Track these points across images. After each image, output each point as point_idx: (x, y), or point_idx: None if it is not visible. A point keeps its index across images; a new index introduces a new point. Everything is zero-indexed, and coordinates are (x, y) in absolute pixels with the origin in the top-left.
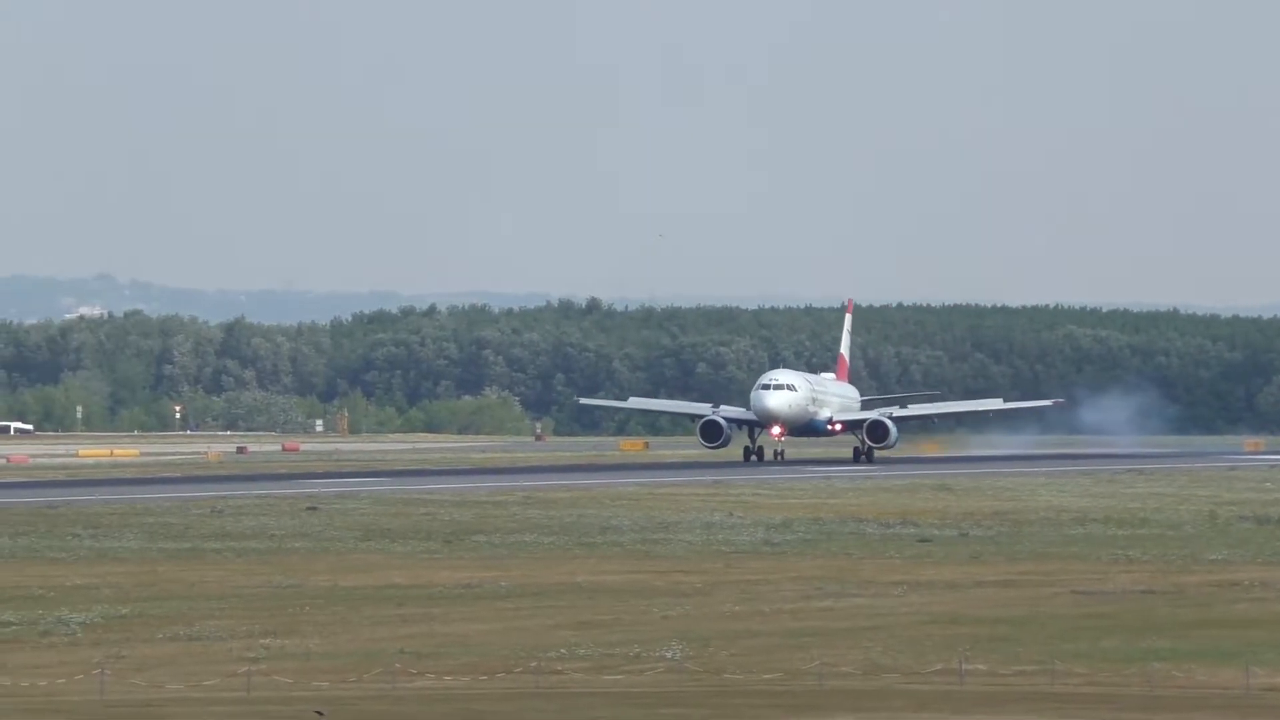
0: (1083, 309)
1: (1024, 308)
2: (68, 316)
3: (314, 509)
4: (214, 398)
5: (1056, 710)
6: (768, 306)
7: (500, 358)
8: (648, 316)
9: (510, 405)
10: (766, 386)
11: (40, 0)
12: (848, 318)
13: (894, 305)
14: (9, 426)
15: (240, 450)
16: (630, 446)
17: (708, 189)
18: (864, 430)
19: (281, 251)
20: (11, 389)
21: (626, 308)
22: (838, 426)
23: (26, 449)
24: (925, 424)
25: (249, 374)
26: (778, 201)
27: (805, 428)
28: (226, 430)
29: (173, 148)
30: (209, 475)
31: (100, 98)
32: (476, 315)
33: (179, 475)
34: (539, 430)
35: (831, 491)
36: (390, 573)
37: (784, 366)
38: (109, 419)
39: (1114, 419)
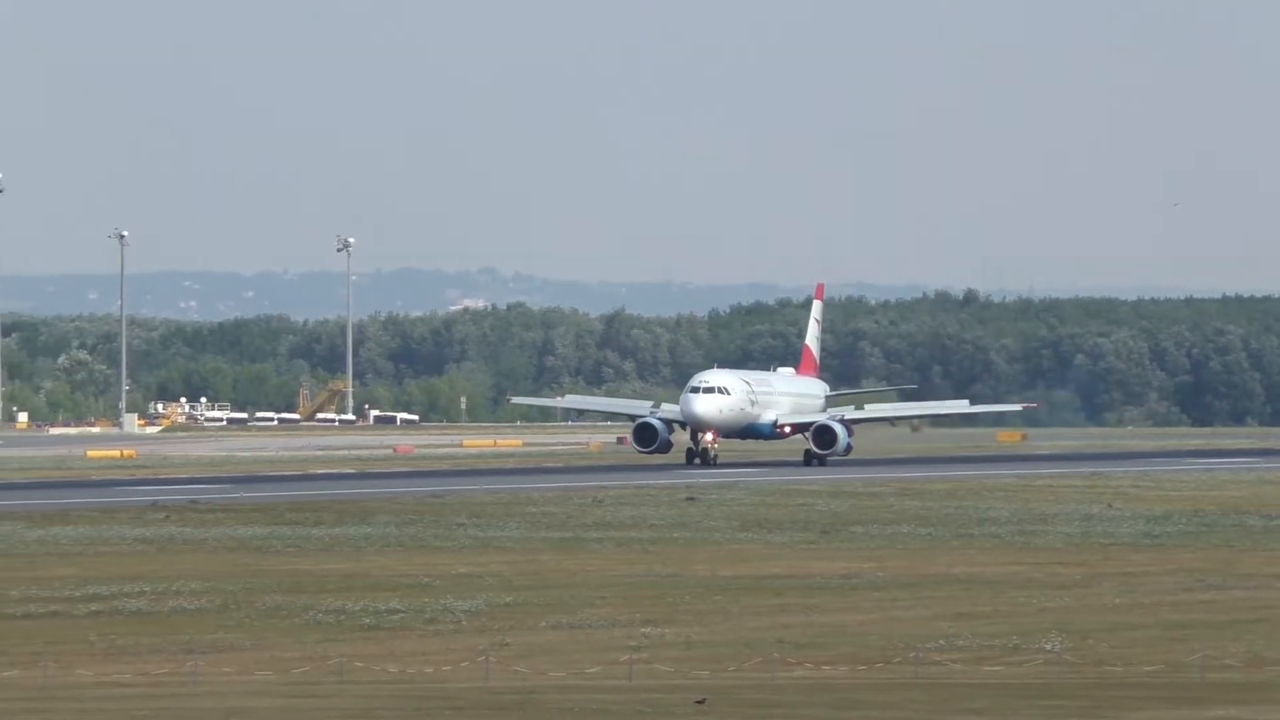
0: None
1: None
2: (452, 309)
3: (693, 499)
4: (594, 389)
5: None
6: (1147, 298)
7: (877, 349)
8: (1025, 308)
9: (887, 397)
10: (696, 389)
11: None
12: (816, 304)
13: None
14: (396, 417)
15: (620, 441)
16: (1007, 438)
17: (1089, 181)
18: (811, 435)
19: (660, 245)
20: (398, 381)
21: (1004, 298)
22: (786, 429)
23: (413, 439)
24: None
25: (629, 365)
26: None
27: (746, 431)
28: (606, 421)
29: (549, 144)
30: (590, 465)
31: (486, 99)
32: (853, 307)
33: (560, 465)
34: (915, 422)
35: (1213, 484)
36: (768, 563)
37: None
38: (492, 410)
39: None
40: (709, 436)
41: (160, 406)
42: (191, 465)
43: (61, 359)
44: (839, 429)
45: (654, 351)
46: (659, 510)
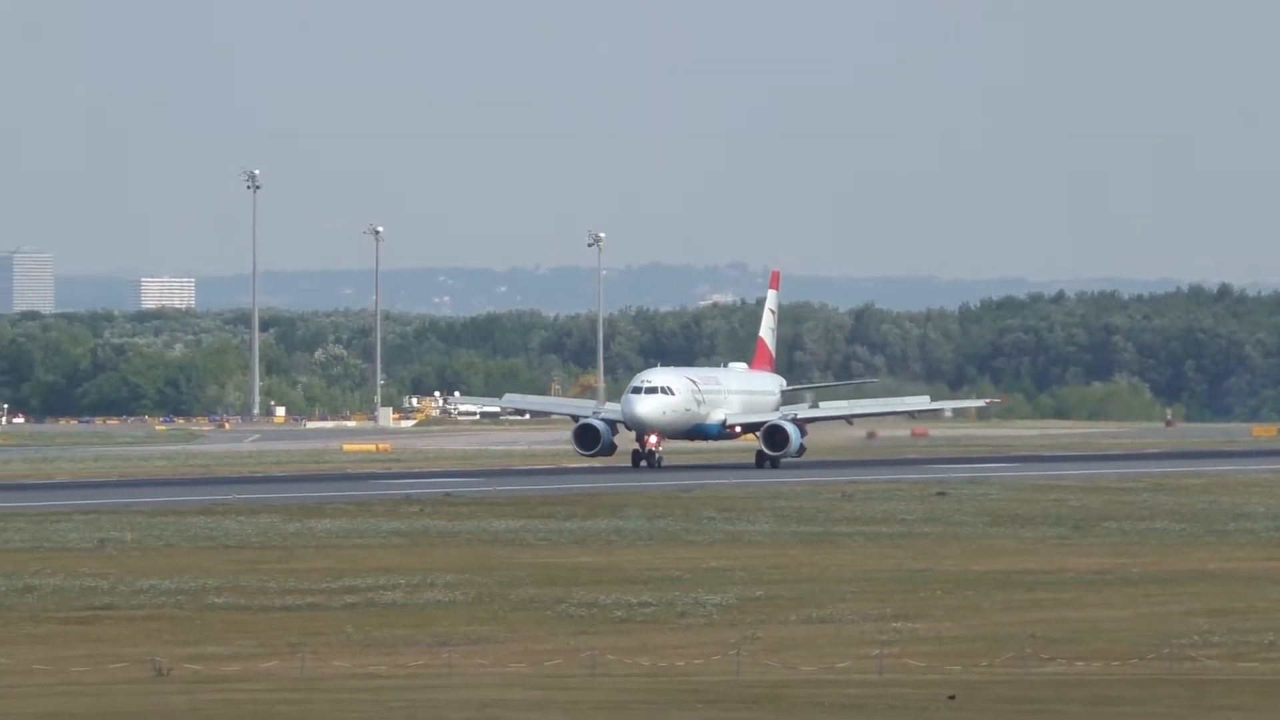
0: None
1: None
2: (702, 304)
3: (943, 494)
4: (844, 383)
5: None
6: None
7: (1130, 344)
8: None
9: (1140, 392)
10: (638, 390)
11: None
12: (771, 294)
13: None
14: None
15: (870, 435)
16: (1263, 432)
17: None
18: (762, 435)
19: (911, 239)
20: None
21: (1260, 293)
22: (736, 429)
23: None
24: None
25: (878, 360)
26: None
27: (693, 432)
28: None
29: (791, 140)
30: (841, 460)
31: (737, 98)
32: (1106, 302)
33: (810, 460)
34: (1169, 415)
35: None
36: (1020, 558)
37: None
38: None
39: None
40: (653, 439)
41: (414, 401)
42: (445, 459)
43: (318, 354)
44: (791, 429)
45: (903, 346)
46: (909, 505)
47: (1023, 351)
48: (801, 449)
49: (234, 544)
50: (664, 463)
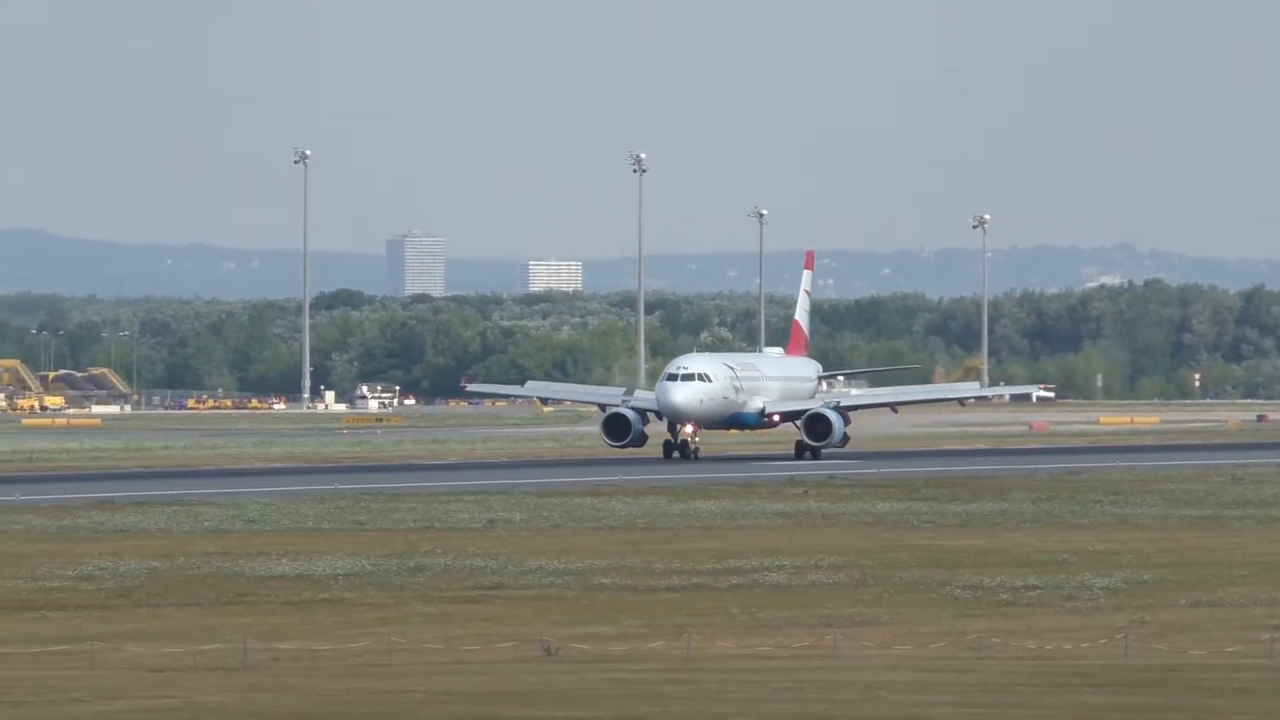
0: None
1: None
2: (1088, 285)
3: None
4: (1233, 366)
5: None
6: None
7: None
8: None
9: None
10: (674, 377)
11: None
12: (806, 274)
13: None
14: (1031, 393)
15: (1260, 419)
16: None
17: None
18: (803, 424)
19: None
20: (1033, 358)
21: None
22: (775, 418)
23: (1048, 416)
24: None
25: (1268, 343)
26: None
27: (731, 421)
28: (1245, 398)
29: (1173, 119)
30: (1228, 443)
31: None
32: None
33: (1198, 443)
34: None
35: None
36: None
37: None
38: (1129, 387)
39: None
40: (689, 428)
41: None
42: None
43: (703, 336)
44: (834, 417)
45: None
46: None
47: None
48: (845, 438)
49: (620, 525)
50: (699, 454)
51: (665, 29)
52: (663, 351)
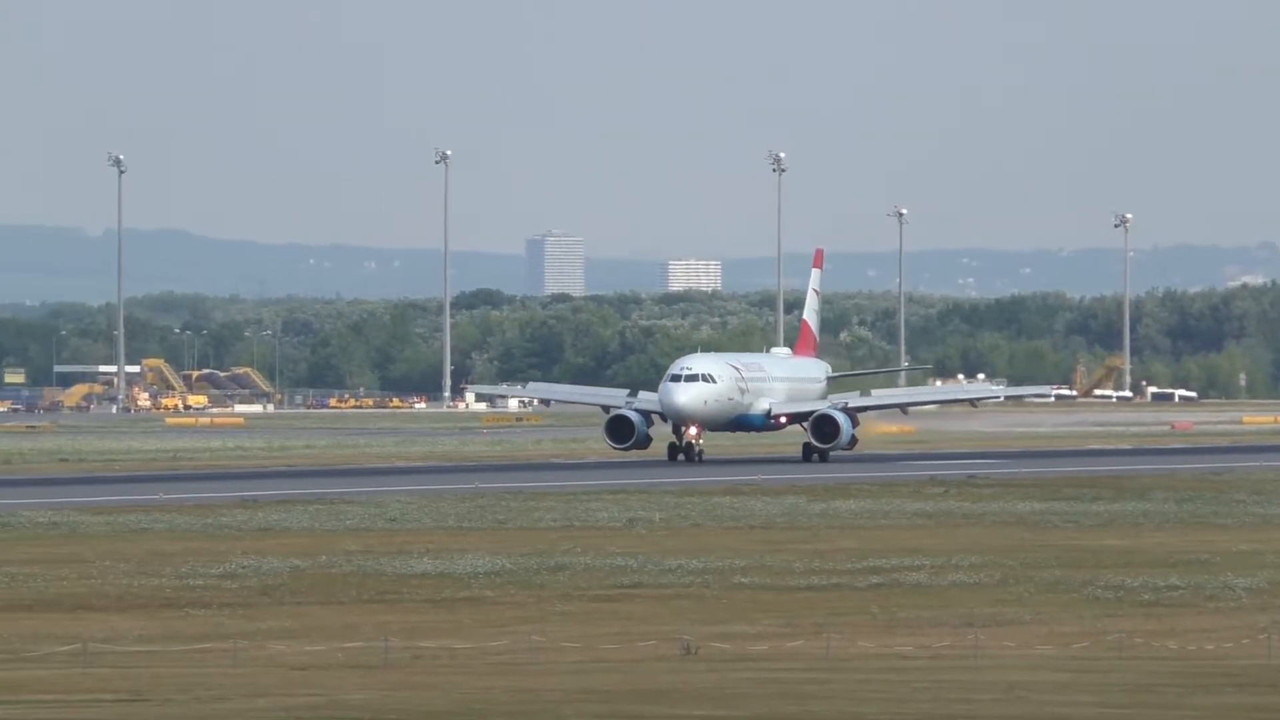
0: None
1: None
2: (1230, 284)
3: None
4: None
5: None
6: None
7: None
8: None
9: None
10: (677, 377)
11: None
12: (815, 273)
13: None
14: (1173, 394)
15: None
16: None
17: None
18: (810, 426)
19: None
20: (1176, 357)
21: None
22: (782, 419)
23: (1191, 416)
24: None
25: None
26: None
27: (736, 423)
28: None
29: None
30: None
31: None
32: None
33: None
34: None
35: None
36: None
37: None
38: (1273, 387)
39: None
40: (692, 430)
41: (937, 383)
42: (969, 440)
43: (842, 335)
44: (842, 419)
45: None
46: None
47: None
48: (853, 440)
49: (759, 524)
50: (704, 456)
51: (807, 28)
52: None
